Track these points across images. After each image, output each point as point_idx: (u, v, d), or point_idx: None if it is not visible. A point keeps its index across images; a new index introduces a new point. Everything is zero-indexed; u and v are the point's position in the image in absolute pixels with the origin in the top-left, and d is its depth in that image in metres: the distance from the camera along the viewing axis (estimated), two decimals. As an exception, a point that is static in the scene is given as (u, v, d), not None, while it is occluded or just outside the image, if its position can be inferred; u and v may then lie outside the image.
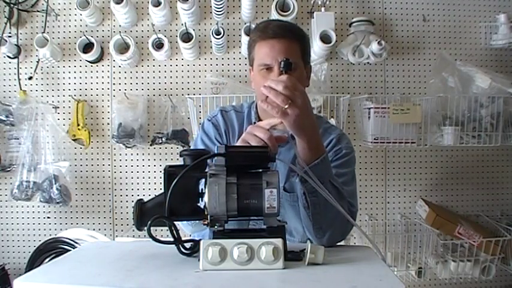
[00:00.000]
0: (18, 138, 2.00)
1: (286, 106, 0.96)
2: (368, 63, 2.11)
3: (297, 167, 1.05)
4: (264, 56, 1.17)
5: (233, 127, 1.31)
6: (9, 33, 2.01)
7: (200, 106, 1.97)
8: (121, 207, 2.10)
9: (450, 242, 1.97)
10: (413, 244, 2.00)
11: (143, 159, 2.10)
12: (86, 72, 2.09)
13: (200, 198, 0.86)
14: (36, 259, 1.95)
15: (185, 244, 0.87)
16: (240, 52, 2.09)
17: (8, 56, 2.03)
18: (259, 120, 1.28)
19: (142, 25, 2.09)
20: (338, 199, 0.98)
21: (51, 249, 1.94)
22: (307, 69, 1.25)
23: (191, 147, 1.37)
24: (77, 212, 2.09)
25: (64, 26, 2.08)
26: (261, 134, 0.98)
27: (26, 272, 0.89)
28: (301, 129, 1.00)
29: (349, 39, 2.04)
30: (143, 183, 2.10)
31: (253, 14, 2.05)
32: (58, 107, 2.07)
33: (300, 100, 0.97)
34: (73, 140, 2.02)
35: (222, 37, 1.95)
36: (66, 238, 1.95)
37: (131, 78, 2.09)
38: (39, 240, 2.00)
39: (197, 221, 0.88)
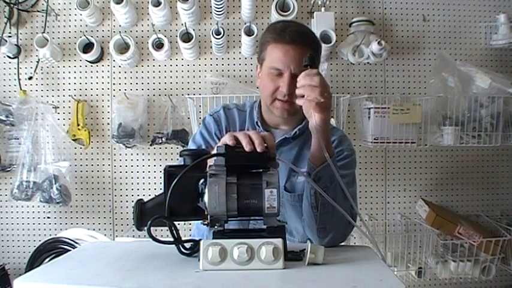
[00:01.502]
0: (18, 138, 2.00)
1: (323, 100, 0.98)
2: (368, 63, 2.11)
3: (309, 165, 1.05)
4: (276, 60, 1.16)
5: (234, 124, 1.30)
6: (9, 33, 2.01)
7: (200, 106, 1.97)
8: (121, 207, 2.10)
9: (450, 242, 1.97)
10: (413, 244, 2.00)
11: (143, 159, 2.10)
12: (86, 72, 2.09)
13: (200, 198, 0.86)
14: (36, 259, 1.95)
15: (185, 244, 0.88)
16: (240, 52, 2.09)
17: (8, 56, 2.03)
18: (262, 120, 1.28)
19: (142, 25, 2.09)
20: (344, 200, 0.98)
21: (51, 249, 1.94)
22: None
23: (189, 142, 1.37)
24: (77, 212, 2.09)
25: (64, 26, 2.08)
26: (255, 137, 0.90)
27: (26, 272, 0.89)
28: (327, 125, 1.03)
29: (349, 39, 2.04)
30: (143, 183, 2.10)
31: (253, 14, 2.05)
32: (58, 107, 2.06)
33: (328, 95, 0.99)
34: (73, 140, 2.02)
35: (222, 37, 1.95)
36: (66, 238, 1.95)
37: (131, 78, 2.09)
38: (39, 240, 2.00)
39: None
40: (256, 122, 1.28)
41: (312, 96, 0.98)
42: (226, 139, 0.91)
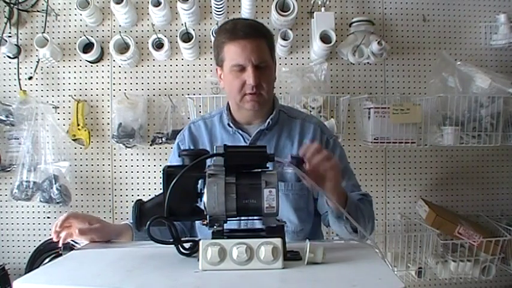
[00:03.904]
0: (18, 138, 2.00)
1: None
2: (368, 63, 2.10)
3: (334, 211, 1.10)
4: (236, 56, 1.19)
5: (201, 137, 1.33)
6: (9, 33, 2.01)
7: (200, 106, 1.97)
8: (121, 207, 2.10)
9: (450, 242, 1.96)
10: (413, 244, 2.00)
11: (143, 159, 2.10)
12: (86, 72, 2.09)
13: (199, 198, 0.86)
14: (36, 259, 1.95)
15: (184, 244, 0.87)
16: (240, 52, 2.08)
17: (8, 56, 2.03)
18: (233, 120, 1.30)
19: (142, 25, 2.09)
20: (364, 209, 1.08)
21: (51, 249, 1.94)
22: (274, 63, 1.29)
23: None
24: (77, 212, 2.09)
25: (64, 26, 2.08)
26: None
27: (26, 272, 0.89)
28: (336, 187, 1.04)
29: (349, 39, 2.04)
30: (143, 183, 2.10)
31: (253, 14, 2.05)
32: (58, 107, 2.06)
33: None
34: (73, 140, 2.02)
35: (222, 37, 1.95)
36: (66, 238, 1.95)
37: (131, 78, 2.09)
38: (39, 240, 2.00)
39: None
40: (228, 124, 1.30)
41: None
42: None
